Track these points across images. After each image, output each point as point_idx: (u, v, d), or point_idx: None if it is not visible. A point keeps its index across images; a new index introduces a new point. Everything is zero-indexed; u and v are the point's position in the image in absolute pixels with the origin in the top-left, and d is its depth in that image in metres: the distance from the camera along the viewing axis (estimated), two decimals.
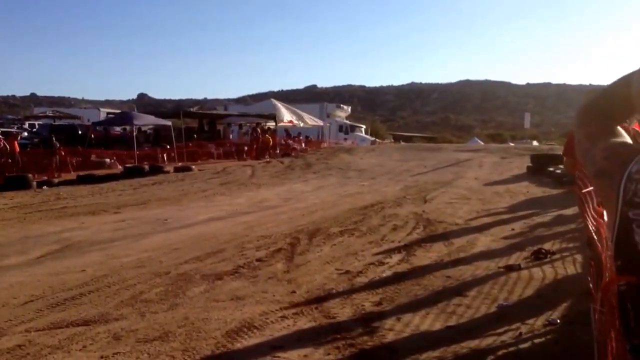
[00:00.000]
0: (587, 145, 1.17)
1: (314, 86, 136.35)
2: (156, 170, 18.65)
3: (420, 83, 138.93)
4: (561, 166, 14.90)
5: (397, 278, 5.76)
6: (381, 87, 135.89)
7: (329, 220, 9.24)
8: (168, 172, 18.76)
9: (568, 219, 8.79)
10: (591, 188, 2.86)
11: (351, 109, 52.01)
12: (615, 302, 1.09)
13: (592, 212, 2.72)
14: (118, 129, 28.31)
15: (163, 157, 22.78)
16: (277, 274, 6.03)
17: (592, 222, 2.77)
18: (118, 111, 34.75)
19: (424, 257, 6.66)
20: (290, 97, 75.69)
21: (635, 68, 1.14)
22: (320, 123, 35.02)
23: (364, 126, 48.22)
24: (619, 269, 1.05)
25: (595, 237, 2.42)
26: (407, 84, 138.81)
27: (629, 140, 1.15)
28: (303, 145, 29.67)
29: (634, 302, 1.01)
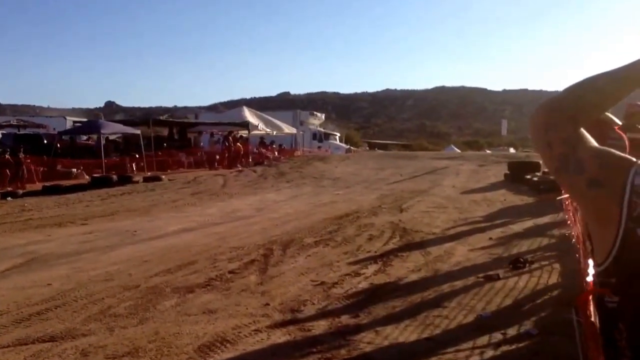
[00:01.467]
0: (564, 150, 1.11)
1: (287, 93, 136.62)
2: (125, 180, 18.37)
3: (395, 90, 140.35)
4: (538, 174, 15.19)
5: (374, 289, 5.77)
6: (355, 94, 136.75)
7: (303, 231, 9.22)
8: (137, 182, 18.51)
9: (545, 227, 8.95)
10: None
11: (325, 116, 52.20)
12: (598, 314, 1.08)
13: (573, 212, 2.74)
14: (85, 137, 27.88)
15: (132, 166, 22.47)
16: (251, 286, 5.99)
17: (571, 217, 2.80)
18: (85, 120, 34.20)
19: (400, 267, 6.69)
20: (263, 105, 75.58)
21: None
22: (294, 131, 35.02)
23: (338, 134, 48.38)
24: (614, 288, 1.01)
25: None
26: (382, 91, 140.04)
27: (595, 143, 1.12)
28: (276, 153, 29.62)
29: (630, 323, 0.99)
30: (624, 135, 3.29)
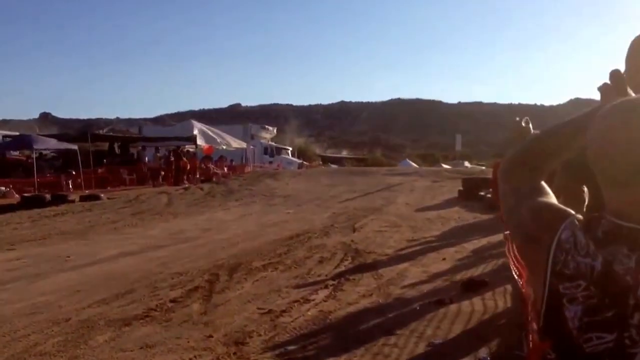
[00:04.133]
0: (512, 203, 1.16)
1: (238, 105, 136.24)
2: (59, 199, 17.76)
3: (350, 102, 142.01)
4: (491, 190, 15.58)
5: (323, 316, 5.73)
6: (309, 106, 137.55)
7: (251, 253, 9.12)
8: (73, 201, 17.95)
9: (499, 246, 9.11)
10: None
11: (277, 130, 52.26)
12: None
13: (515, 253, 2.80)
14: (16, 153, 26.97)
15: (68, 184, 21.83)
16: (193, 316, 5.86)
17: (514, 264, 2.86)
18: (16, 133, 33.09)
19: (352, 292, 6.69)
20: (212, 117, 75.24)
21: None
22: (244, 145, 34.87)
23: (290, 148, 48.50)
24: (552, 346, 1.03)
25: (518, 281, 2.49)
26: (337, 103, 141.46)
27: (554, 200, 1.16)
28: (225, 169, 29.38)
29: None
30: None
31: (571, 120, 1.20)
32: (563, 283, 1.01)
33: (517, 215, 1.14)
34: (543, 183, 1.20)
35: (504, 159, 1.28)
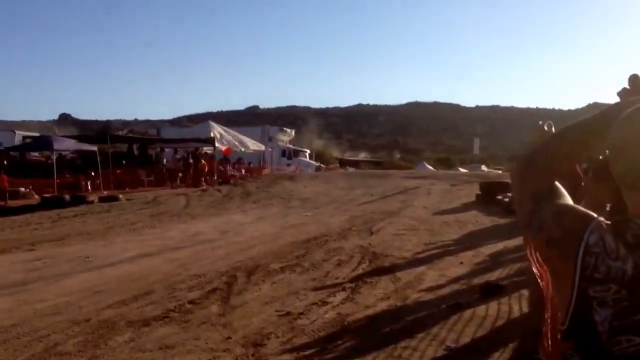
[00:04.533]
0: (531, 208, 1.16)
1: (256, 107, 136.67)
2: (78, 200, 18.01)
3: (368, 105, 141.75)
4: (509, 194, 15.46)
5: (341, 319, 5.76)
6: (327, 109, 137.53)
7: (269, 256, 9.17)
8: (92, 202, 18.19)
9: (515, 250, 9.05)
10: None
11: (295, 132, 52.35)
12: None
13: (536, 255, 2.76)
14: (36, 154, 27.33)
15: (87, 185, 22.08)
16: (212, 318, 5.91)
17: (535, 267, 2.83)
18: (36, 134, 33.55)
19: (369, 295, 6.70)
20: (231, 119, 75.48)
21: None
22: (262, 148, 34.98)
23: (308, 150, 48.54)
24: (575, 348, 1.04)
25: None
26: (355, 105, 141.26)
27: (570, 201, 1.17)
28: (243, 172, 29.51)
29: None
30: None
31: (579, 122, 1.21)
32: (593, 287, 1.01)
33: (538, 219, 1.14)
34: (557, 184, 1.20)
35: (514, 163, 1.29)
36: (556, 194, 1.17)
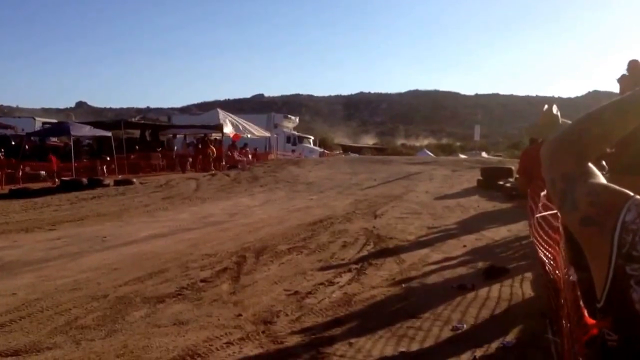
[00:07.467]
0: (564, 187, 1.11)
1: (261, 95, 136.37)
2: (95, 183, 18.03)
3: (370, 93, 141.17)
4: (511, 179, 15.38)
5: (348, 299, 5.72)
6: (330, 97, 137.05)
7: (276, 237, 9.14)
8: (108, 185, 18.20)
9: (518, 234, 9.02)
10: (545, 213, 2.87)
11: (299, 119, 52.25)
12: (596, 351, 1.05)
13: (546, 237, 2.72)
14: (54, 139, 27.41)
15: (103, 169, 22.10)
16: (223, 296, 5.89)
17: (543, 248, 2.78)
18: (55, 121, 33.59)
19: (374, 275, 6.66)
20: (237, 107, 75.35)
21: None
22: (267, 134, 34.90)
23: (312, 137, 48.45)
24: (613, 326, 1.00)
25: (549, 265, 2.43)
26: (357, 94, 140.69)
27: (604, 180, 1.12)
28: (250, 157, 29.47)
29: None
30: None
31: (612, 103, 1.15)
32: (631, 264, 0.96)
33: (571, 199, 1.08)
34: (591, 165, 1.14)
35: (545, 144, 1.20)
36: (590, 174, 1.11)
